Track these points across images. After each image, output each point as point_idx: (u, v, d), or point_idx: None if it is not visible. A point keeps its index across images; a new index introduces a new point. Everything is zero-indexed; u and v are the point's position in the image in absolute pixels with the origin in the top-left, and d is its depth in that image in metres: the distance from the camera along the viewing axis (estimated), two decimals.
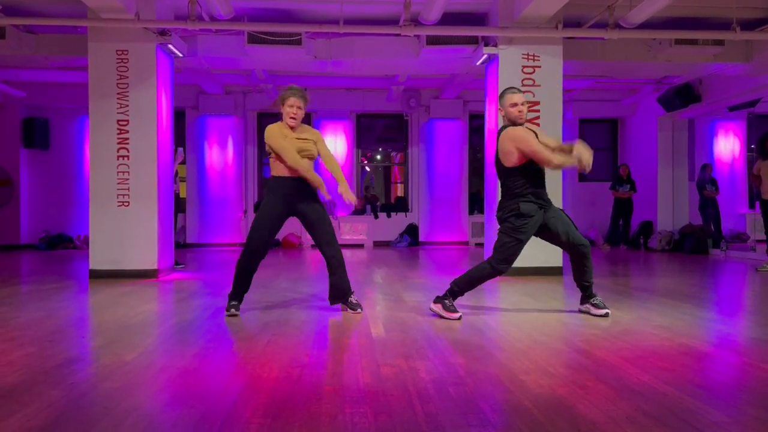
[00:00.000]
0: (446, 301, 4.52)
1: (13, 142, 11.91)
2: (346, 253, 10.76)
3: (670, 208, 11.96)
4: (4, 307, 5.10)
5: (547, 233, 4.54)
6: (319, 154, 4.76)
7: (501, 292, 6.00)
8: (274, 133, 4.61)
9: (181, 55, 7.69)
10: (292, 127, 4.67)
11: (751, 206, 12.55)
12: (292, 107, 4.61)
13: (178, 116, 10.94)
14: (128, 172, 7.10)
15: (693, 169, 12.21)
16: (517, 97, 4.44)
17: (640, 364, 3.20)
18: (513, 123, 4.46)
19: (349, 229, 12.59)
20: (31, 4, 7.49)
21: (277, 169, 4.68)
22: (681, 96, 10.92)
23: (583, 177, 13.54)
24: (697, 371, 3.13)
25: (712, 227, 11.32)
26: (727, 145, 13.00)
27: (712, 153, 12.89)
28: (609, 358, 3.34)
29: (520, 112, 4.43)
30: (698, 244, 10.61)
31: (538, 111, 7.34)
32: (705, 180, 11.51)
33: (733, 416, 2.43)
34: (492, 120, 7.65)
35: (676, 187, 11.99)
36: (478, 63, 7.87)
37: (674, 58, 8.62)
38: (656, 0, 6.64)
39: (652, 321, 4.41)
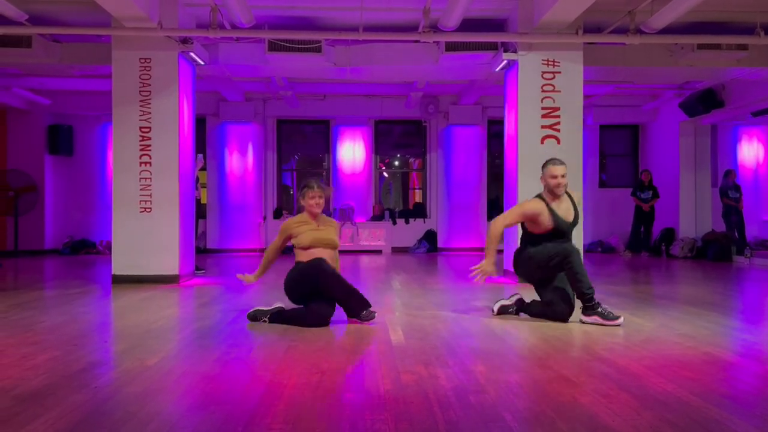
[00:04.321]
0: (599, 309, 4.46)
1: (38, 148, 12.12)
2: (364, 259, 10.83)
3: (693, 214, 11.79)
4: (30, 311, 5.18)
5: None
6: None
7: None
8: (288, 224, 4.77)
9: (202, 62, 7.78)
10: (314, 216, 4.76)
11: None
12: (313, 199, 4.71)
13: (199, 123, 11.07)
14: (150, 178, 7.19)
15: (716, 175, 12.04)
16: (558, 169, 4.62)
17: (664, 373, 3.16)
18: (550, 192, 4.66)
19: (367, 235, 12.60)
20: (56, 13, 7.63)
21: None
22: (703, 101, 10.78)
23: (603, 183, 13.43)
24: (722, 381, 3.08)
25: (736, 234, 11.14)
26: (751, 151, 12.80)
27: (736, 159, 12.70)
28: (631, 366, 3.30)
29: (558, 183, 4.62)
30: (722, 252, 10.44)
31: (558, 117, 7.30)
32: (728, 186, 11.34)
33: (760, 427, 2.38)
34: (511, 126, 7.62)
35: (698, 193, 11.83)
36: (497, 69, 7.85)
37: (697, 63, 8.52)
38: (678, 5, 6.57)
39: (675, 329, 4.35)
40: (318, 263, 4.46)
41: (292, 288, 4.61)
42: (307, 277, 4.49)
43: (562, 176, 4.62)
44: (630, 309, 5.26)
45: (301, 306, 4.56)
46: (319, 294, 4.48)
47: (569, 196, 4.76)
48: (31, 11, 7.16)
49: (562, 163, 4.67)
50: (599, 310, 4.44)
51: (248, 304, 5.29)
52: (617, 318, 4.40)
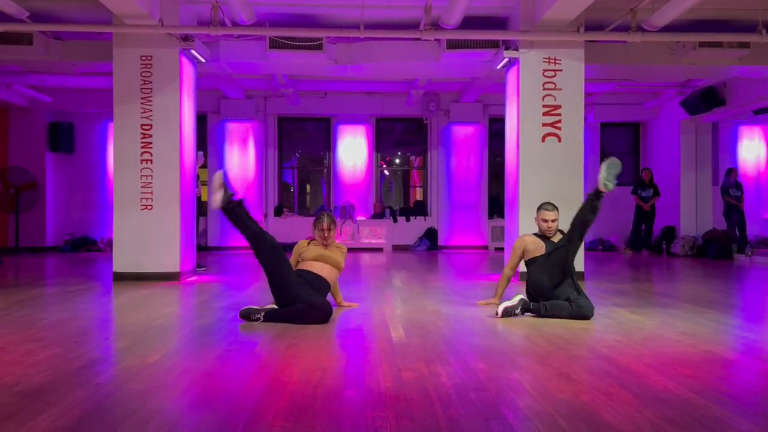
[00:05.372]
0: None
1: (39, 146, 12.11)
2: (365, 257, 10.84)
3: (694, 212, 11.79)
4: (31, 308, 5.19)
5: None
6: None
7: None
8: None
9: (203, 60, 7.77)
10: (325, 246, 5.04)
11: None
12: (323, 231, 5.01)
13: (200, 120, 11.06)
14: (151, 176, 7.19)
15: (717, 173, 12.03)
16: (549, 214, 4.97)
17: (664, 370, 3.16)
18: (542, 233, 5.03)
19: (368, 233, 12.60)
20: (57, 10, 7.63)
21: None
22: (705, 99, 10.76)
23: None
24: (723, 379, 3.09)
25: (737, 232, 11.13)
26: (752, 150, 12.78)
27: (737, 157, 12.69)
28: (632, 364, 3.30)
29: (549, 227, 4.99)
30: (722, 250, 10.44)
31: (560, 115, 7.30)
32: (729, 184, 11.33)
33: (761, 425, 2.39)
34: (512, 123, 7.62)
35: (699, 191, 11.82)
36: (498, 67, 7.84)
37: (698, 61, 8.51)
38: (679, 3, 6.55)
39: (675, 327, 4.36)
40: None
41: (273, 288, 4.64)
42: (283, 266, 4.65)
43: (553, 221, 4.97)
44: (631, 307, 5.27)
45: (295, 306, 4.53)
46: (301, 292, 4.50)
47: (561, 233, 5.07)
48: (32, 8, 7.16)
49: (554, 208, 5.02)
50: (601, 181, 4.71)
51: (249, 302, 5.30)
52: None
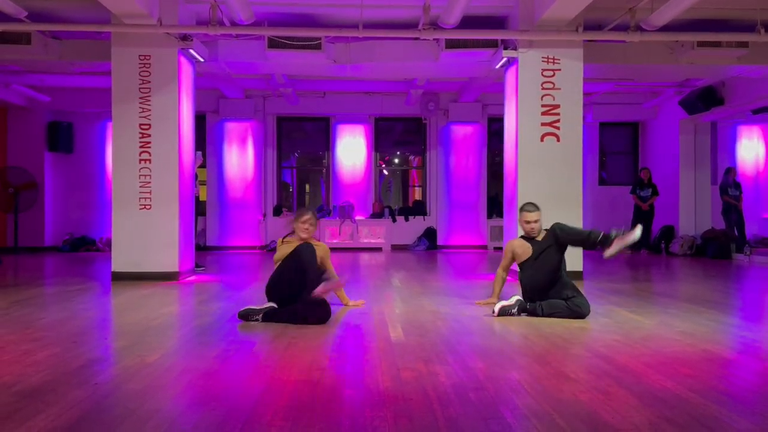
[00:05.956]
0: (614, 235, 4.61)
1: (38, 145, 12.11)
2: (364, 256, 10.84)
3: (692, 212, 11.80)
4: (30, 308, 5.18)
5: None
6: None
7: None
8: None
9: (202, 59, 7.77)
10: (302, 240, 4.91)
11: None
12: (305, 224, 4.91)
13: (199, 120, 11.05)
14: (150, 175, 7.19)
15: (716, 173, 12.03)
16: (530, 216, 4.90)
17: (663, 370, 3.16)
18: (526, 234, 4.98)
19: (367, 233, 12.60)
20: (56, 10, 7.62)
21: None
22: (704, 99, 10.77)
23: (603, 180, 13.42)
24: (721, 378, 3.09)
25: (736, 232, 11.14)
26: (751, 149, 12.79)
27: (735, 156, 12.70)
28: (631, 363, 3.30)
29: (531, 228, 4.92)
30: (721, 249, 10.44)
31: (558, 115, 7.30)
32: (728, 184, 11.33)
33: (759, 424, 2.39)
34: (511, 123, 7.62)
35: (698, 191, 11.83)
36: (497, 66, 7.85)
37: (697, 61, 8.52)
38: (678, 2, 6.56)
39: (674, 327, 4.36)
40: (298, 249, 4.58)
41: (273, 285, 4.63)
42: (286, 264, 4.58)
43: (535, 221, 4.91)
44: (630, 306, 5.27)
45: (293, 306, 4.51)
46: (296, 292, 4.48)
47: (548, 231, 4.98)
48: (31, 8, 7.15)
49: (536, 208, 4.96)
50: (613, 235, 4.55)
51: (248, 302, 5.30)
52: (633, 231, 4.52)
